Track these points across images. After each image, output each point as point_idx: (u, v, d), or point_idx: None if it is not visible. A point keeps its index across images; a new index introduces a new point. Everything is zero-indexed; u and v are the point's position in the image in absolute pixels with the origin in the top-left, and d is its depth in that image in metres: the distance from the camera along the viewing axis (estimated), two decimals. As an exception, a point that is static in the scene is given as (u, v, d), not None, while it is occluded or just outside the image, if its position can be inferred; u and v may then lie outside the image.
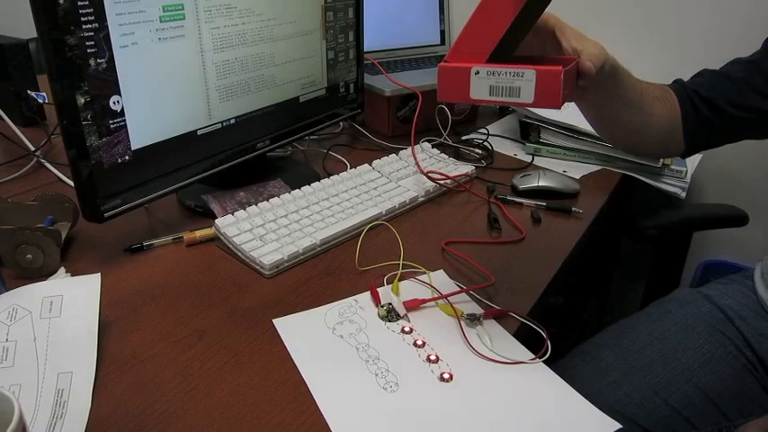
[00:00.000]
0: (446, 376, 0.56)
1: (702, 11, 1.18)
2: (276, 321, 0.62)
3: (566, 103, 1.27)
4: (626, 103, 0.71)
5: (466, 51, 0.51)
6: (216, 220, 0.76)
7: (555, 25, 0.62)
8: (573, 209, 0.87)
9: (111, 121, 0.66)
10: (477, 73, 0.51)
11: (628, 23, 1.27)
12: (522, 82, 0.49)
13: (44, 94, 1.09)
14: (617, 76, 0.67)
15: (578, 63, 0.57)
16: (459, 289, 0.68)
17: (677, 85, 0.80)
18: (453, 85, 0.52)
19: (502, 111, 1.29)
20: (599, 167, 1.04)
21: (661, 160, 1.00)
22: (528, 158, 1.07)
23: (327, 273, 0.72)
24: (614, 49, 1.32)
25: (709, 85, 0.77)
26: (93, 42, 0.62)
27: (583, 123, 1.11)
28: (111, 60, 0.64)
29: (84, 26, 0.61)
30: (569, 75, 0.51)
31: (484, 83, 0.51)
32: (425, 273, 0.71)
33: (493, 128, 1.16)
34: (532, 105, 0.50)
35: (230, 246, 0.74)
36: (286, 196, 0.82)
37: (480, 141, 1.10)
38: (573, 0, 1.30)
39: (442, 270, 0.72)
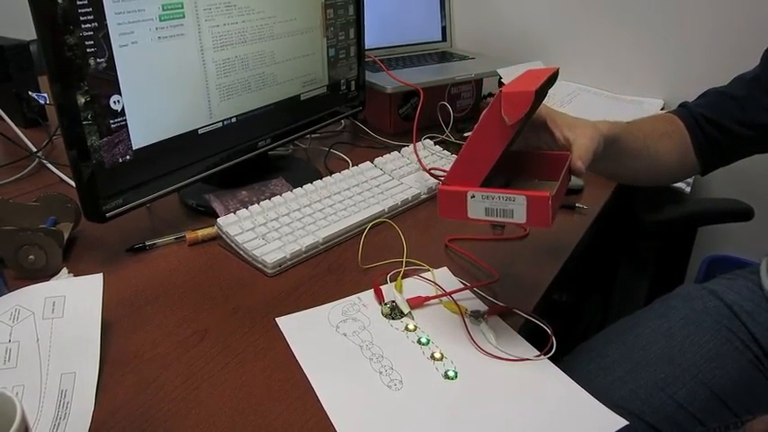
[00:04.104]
0: (451, 374, 0.55)
1: (702, 23, 1.18)
2: (279, 320, 0.62)
3: (570, 98, 1.27)
4: (630, 156, 0.73)
5: (462, 176, 0.55)
6: (218, 219, 0.75)
7: (546, 116, 0.64)
8: (577, 205, 0.87)
9: (111, 121, 0.66)
10: (473, 197, 0.54)
11: (629, 39, 1.26)
12: (514, 205, 0.53)
13: (45, 95, 1.09)
14: (615, 142, 0.68)
15: (569, 164, 0.60)
16: (462, 286, 0.67)
17: (683, 109, 0.80)
18: (452, 205, 0.56)
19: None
20: (602, 163, 1.03)
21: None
22: (531, 154, 1.06)
23: (330, 271, 0.71)
24: (617, 65, 1.31)
25: (714, 105, 0.77)
26: (92, 42, 0.62)
27: (587, 119, 1.10)
28: (110, 60, 0.64)
29: (83, 26, 0.60)
30: (558, 196, 0.55)
31: (480, 205, 0.54)
32: (429, 270, 0.70)
33: (495, 124, 1.15)
34: (525, 225, 0.54)
35: (232, 244, 0.73)
36: (288, 194, 0.81)
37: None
38: (575, 17, 1.30)
39: (445, 267, 0.71)
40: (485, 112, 0.54)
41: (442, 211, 0.56)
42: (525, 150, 0.65)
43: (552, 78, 0.62)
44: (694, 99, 0.81)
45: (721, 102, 0.77)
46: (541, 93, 0.57)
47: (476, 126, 0.55)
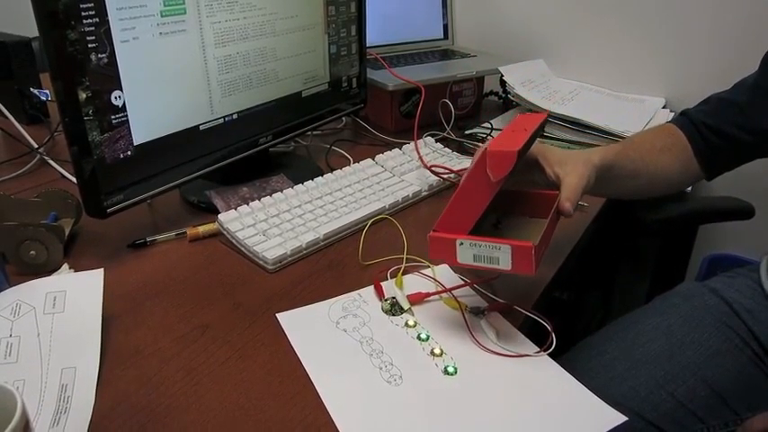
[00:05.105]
0: (450, 370, 0.55)
1: (703, 21, 1.18)
2: (280, 316, 0.62)
3: (571, 96, 1.26)
4: (629, 177, 0.73)
5: (451, 224, 0.57)
6: (219, 216, 0.75)
7: (539, 153, 0.65)
8: (578, 202, 0.87)
9: (112, 117, 0.66)
10: (462, 244, 0.56)
11: (631, 37, 1.26)
12: (499, 253, 0.55)
13: (47, 91, 1.09)
14: (610, 169, 0.69)
15: (558, 206, 0.61)
16: (463, 282, 0.67)
17: (683, 118, 0.80)
18: (442, 251, 0.57)
19: (505, 105, 1.29)
20: (603, 161, 1.03)
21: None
22: (532, 152, 1.06)
23: (331, 267, 0.71)
24: (619, 63, 1.31)
25: (716, 113, 0.77)
26: (94, 37, 0.62)
27: (588, 117, 1.10)
28: (112, 55, 0.64)
29: (84, 21, 0.60)
30: (544, 242, 0.57)
31: (468, 251, 0.56)
32: (429, 267, 0.70)
33: (497, 122, 1.15)
34: (511, 272, 0.55)
35: (233, 241, 0.74)
36: (289, 191, 0.81)
37: (484, 135, 1.09)
38: (577, 15, 1.30)
39: (445, 264, 0.71)
40: (471, 164, 0.56)
41: (432, 255, 0.58)
42: (517, 189, 0.67)
43: (542, 125, 0.64)
44: (695, 105, 0.81)
45: (723, 108, 0.77)
46: (528, 144, 0.60)
47: (463, 177, 0.57)
